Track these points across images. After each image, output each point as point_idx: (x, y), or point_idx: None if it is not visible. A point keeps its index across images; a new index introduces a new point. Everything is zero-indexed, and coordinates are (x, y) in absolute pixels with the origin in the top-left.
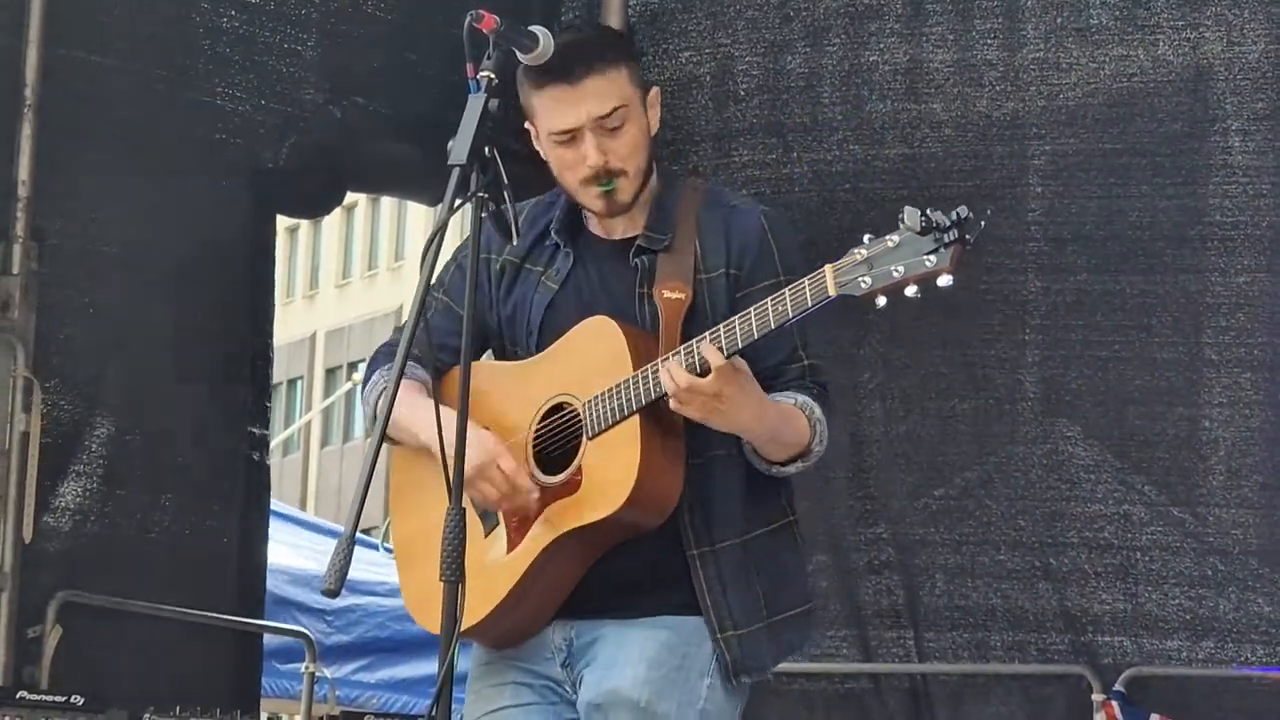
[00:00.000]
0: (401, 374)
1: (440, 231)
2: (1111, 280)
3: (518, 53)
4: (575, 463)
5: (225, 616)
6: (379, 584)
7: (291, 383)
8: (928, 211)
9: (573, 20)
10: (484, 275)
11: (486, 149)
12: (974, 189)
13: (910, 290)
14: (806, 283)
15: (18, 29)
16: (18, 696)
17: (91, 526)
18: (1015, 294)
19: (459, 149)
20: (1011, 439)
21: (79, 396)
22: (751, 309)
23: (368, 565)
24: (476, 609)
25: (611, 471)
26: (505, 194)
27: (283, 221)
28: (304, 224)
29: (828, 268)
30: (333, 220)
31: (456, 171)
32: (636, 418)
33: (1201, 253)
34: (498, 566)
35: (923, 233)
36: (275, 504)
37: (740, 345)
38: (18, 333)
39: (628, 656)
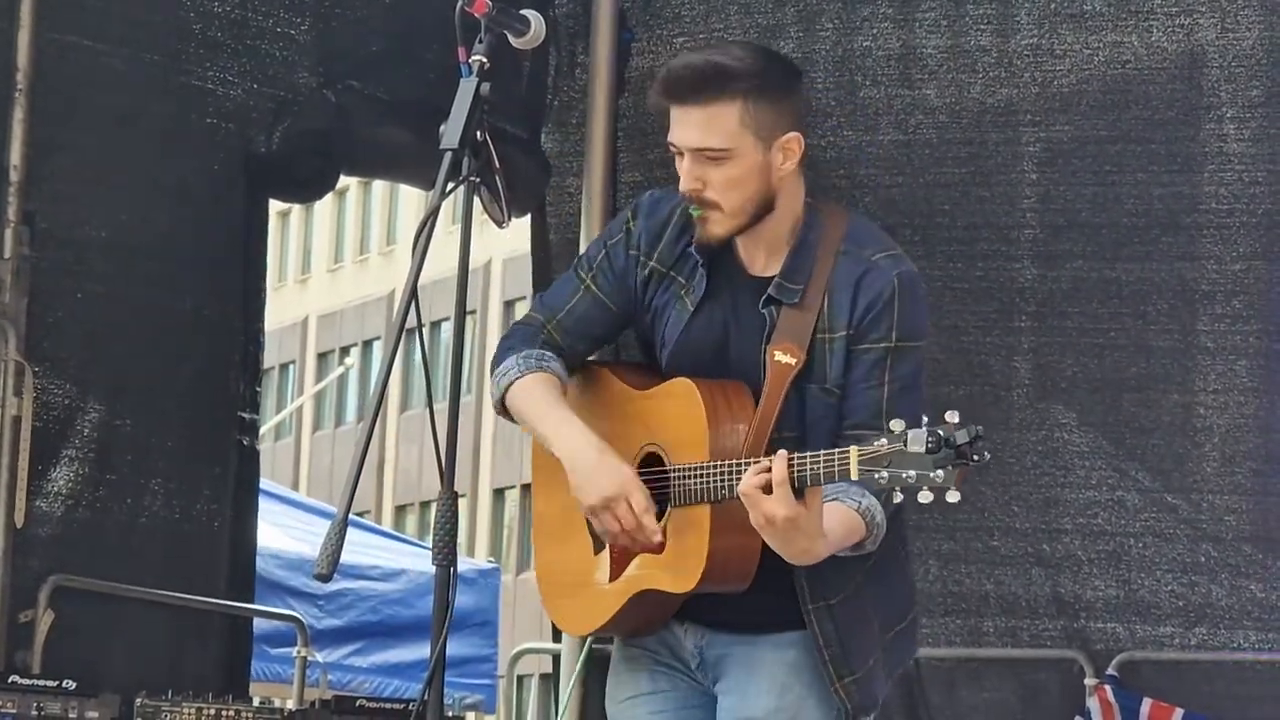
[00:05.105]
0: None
1: (432, 216)
2: (1107, 267)
3: (509, 36)
4: (663, 523)
5: (217, 601)
6: (371, 568)
7: (284, 367)
8: (939, 430)
9: (726, 38)
10: (632, 273)
11: (478, 133)
12: (968, 176)
13: (923, 497)
14: (836, 457)
15: (10, 13)
16: (10, 681)
17: (83, 512)
18: (1010, 281)
19: (451, 133)
20: (1006, 425)
21: (69, 381)
22: (795, 457)
23: (360, 548)
24: (591, 619)
25: (686, 550)
26: (497, 178)
27: (274, 206)
28: (296, 208)
29: (854, 450)
30: (324, 204)
31: (448, 156)
32: (708, 507)
33: (1197, 240)
34: (601, 590)
35: (929, 452)
36: (268, 484)
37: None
38: (9, 317)
39: (759, 685)
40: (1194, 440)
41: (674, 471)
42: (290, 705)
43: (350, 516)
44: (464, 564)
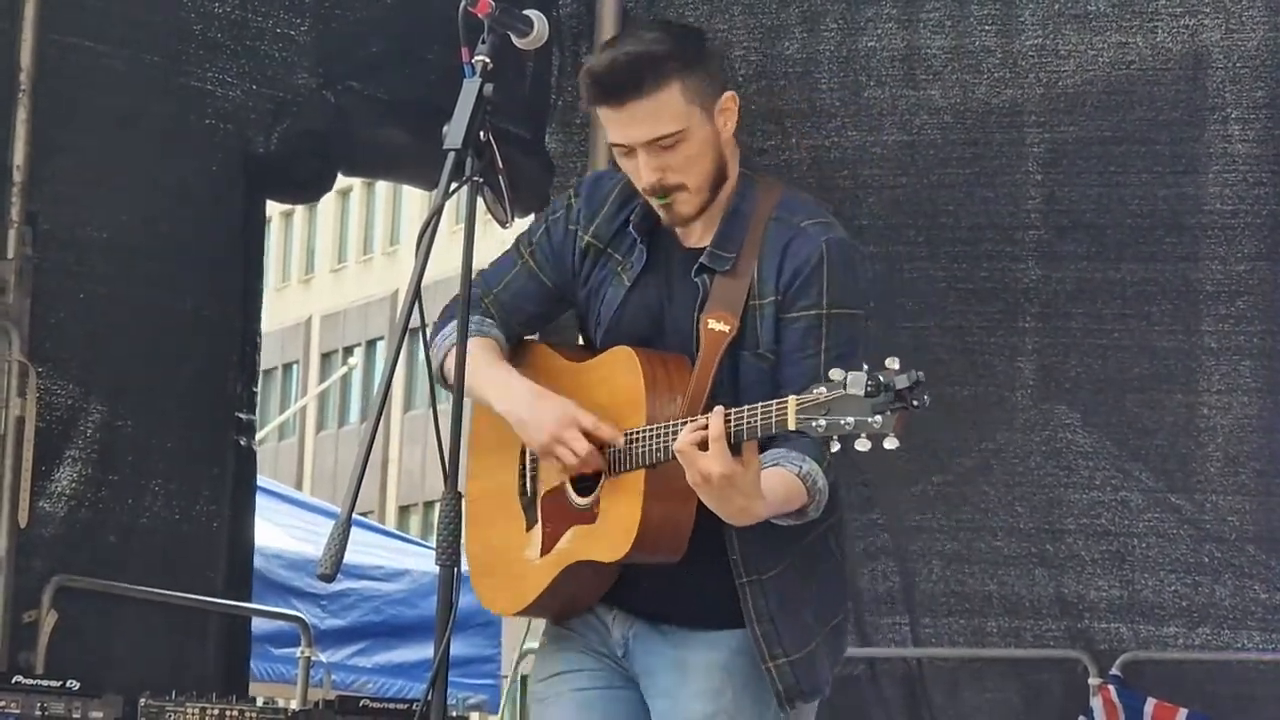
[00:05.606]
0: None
1: (435, 216)
2: (1111, 268)
3: (513, 37)
4: (595, 494)
5: (221, 601)
6: (374, 568)
7: (287, 367)
8: (879, 375)
9: (632, 25)
10: (569, 248)
11: (481, 134)
12: (973, 176)
13: (860, 445)
14: (774, 407)
15: (12, 14)
16: (14, 681)
17: (85, 512)
18: (1015, 282)
19: (454, 134)
20: (1010, 426)
21: (72, 382)
22: (731, 411)
23: (363, 548)
24: (518, 598)
25: (619, 518)
26: (500, 178)
27: (278, 206)
28: (299, 208)
29: (791, 400)
30: (328, 204)
31: (451, 156)
32: (642, 473)
33: (1201, 241)
34: (532, 566)
35: (868, 395)
36: (271, 483)
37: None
38: (12, 318)
39: (691, 688)
40: (1198, 441)
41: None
42: (294, 705)
43: (354, 517)
44: (467, 564)
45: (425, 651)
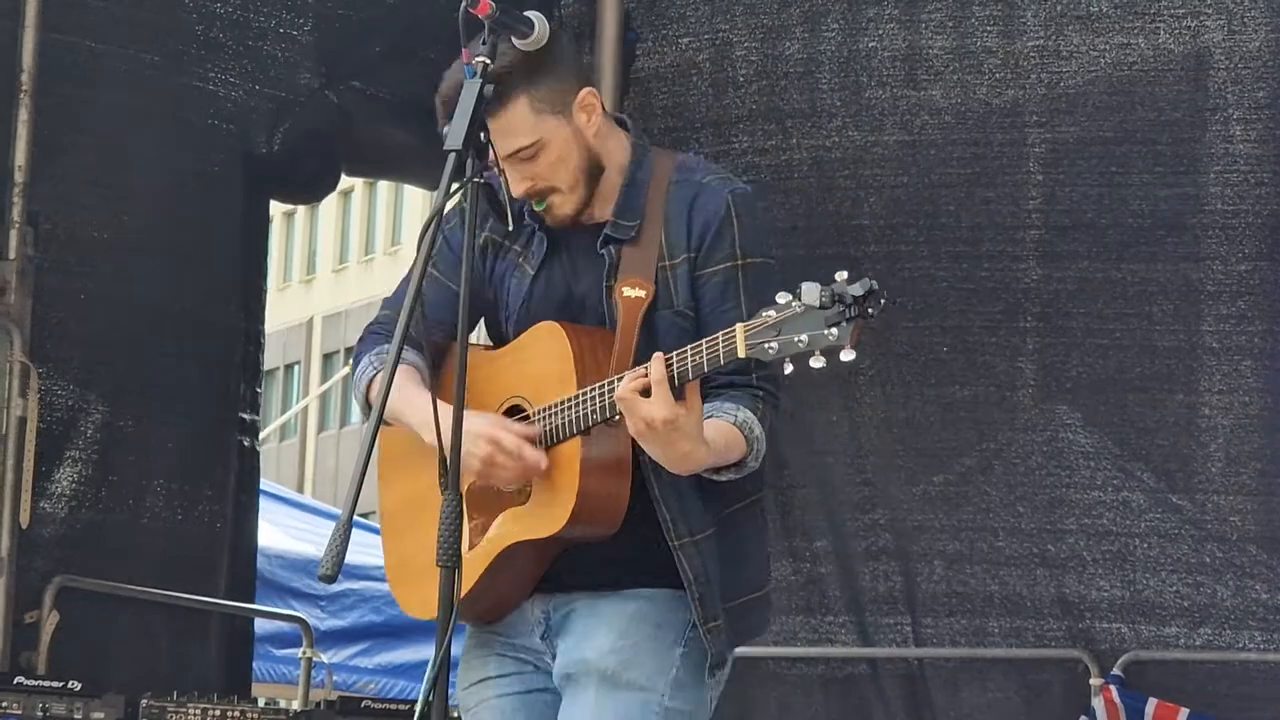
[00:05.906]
0: (398, 358)
1: (437, 216)
2: (1112, 268)
3: (514, 39)
4: None
5: (221, 601)
6: (375, 568)
7: (289, 368)
8: (832, 286)
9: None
10: (477, 249)
11: (481, 134)
12: (974, 176)
13: (815, 362)
14: (720, 339)
15: (15, 14)
16: (15, 682)
17: (86, 513)
18: (1016, 281)
19: (454, 134)
20: (1011, 426)
21: (72, 382)
22: (673, 355)
23: (364, 549)
24: None
25: (554, 491)
26: (501, 179)
27: (280, 206)
28: (301, 208)
29: (739, 327)
30: (329, 205)
31: (452, 156)
32: (578, 439)
33: (1202, 241)
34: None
35: (823, 307)
36: (271, 486)
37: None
38: (14, 318)
39: (597, 627)
40: (1199, 441)
41: (538, 414)
42: (295, 706)
43: (355, 518)
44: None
45: (427, 652)
